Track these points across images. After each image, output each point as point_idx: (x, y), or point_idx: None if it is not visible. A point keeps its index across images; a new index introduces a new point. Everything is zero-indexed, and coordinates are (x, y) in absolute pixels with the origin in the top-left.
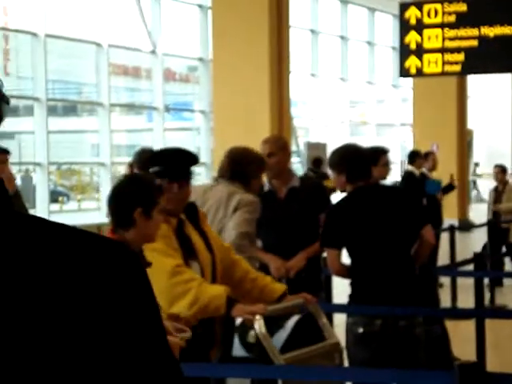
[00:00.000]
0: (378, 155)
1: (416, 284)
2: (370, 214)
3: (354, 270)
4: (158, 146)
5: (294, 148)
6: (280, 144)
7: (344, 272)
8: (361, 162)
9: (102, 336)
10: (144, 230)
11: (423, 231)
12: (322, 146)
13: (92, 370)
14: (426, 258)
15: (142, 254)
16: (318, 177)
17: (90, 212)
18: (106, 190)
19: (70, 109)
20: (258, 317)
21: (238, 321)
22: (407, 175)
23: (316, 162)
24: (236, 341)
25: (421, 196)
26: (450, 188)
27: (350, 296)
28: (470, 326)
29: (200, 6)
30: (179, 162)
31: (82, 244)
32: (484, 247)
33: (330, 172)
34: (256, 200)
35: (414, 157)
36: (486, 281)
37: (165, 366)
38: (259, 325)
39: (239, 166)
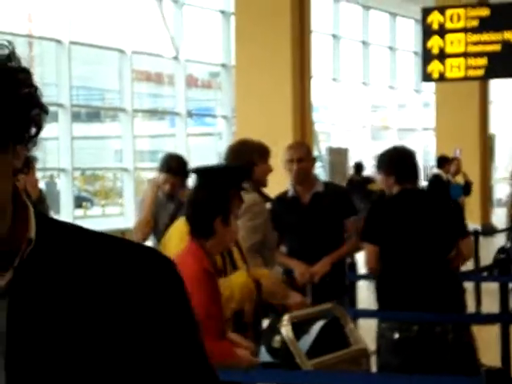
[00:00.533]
0: None
1: (445, 290)
2: (411, 217)
3: (385, 272)
4: (180, 151)
5: (315, 153)
6: (305, 150)
7: (378, 271)
8: (410, 164)
9: (139, 339)
10: (223, 237)
11: (462, 243)
12: (343, 151)
13: (129, 372)
14: (458, 267)
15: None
16: (363, 181)
17: (113, 217)
18: (129, 195)
19: (94, 115)
20: (285, 322)
21: (264, 325)
22: (435, 178)
23: (358, 167)
24: (261, 346)
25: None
26: (468, 187)
27: (379, 300)
28: (494, 331)
29: (222, 12)
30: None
31: (123, 252)
32: (500, 250)
33: (375, 175)
34: (256, 201)
35: (442, 161)
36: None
37: (199, 371)
38: (286, 330)
39: (239, 155)
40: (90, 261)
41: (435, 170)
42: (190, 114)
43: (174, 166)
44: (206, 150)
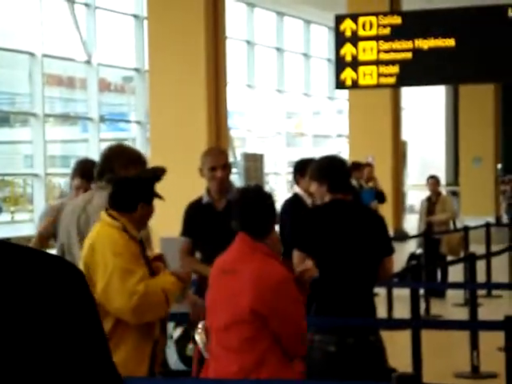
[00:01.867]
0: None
1: (360, 297)
2: (340, 229)
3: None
4: (93, 156)
5: (231, 159)
6: (226, 156)
7: None
8: (342, 173)
9: (44, 345)
10: (274, 235)
11: (386, 260)
12: (259, 157)
13: (37, 376)
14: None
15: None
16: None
17: (23, 224)
18: (39, 201)
19: (3, 119)
20: (199, 330)
21: (177, 334)
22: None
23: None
24: (175, 355)
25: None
26: (382, 196)
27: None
28: (405, 336)
29: (135, 16)
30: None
31: (25, 260)
32: (412, 257)
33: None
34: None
35: (353, 168)
36: (421, 291)
37: (105, 373)
38: (201, 338)
39: (106, 161)
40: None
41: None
42: (102, 119)
43: (90, 171)
44: None
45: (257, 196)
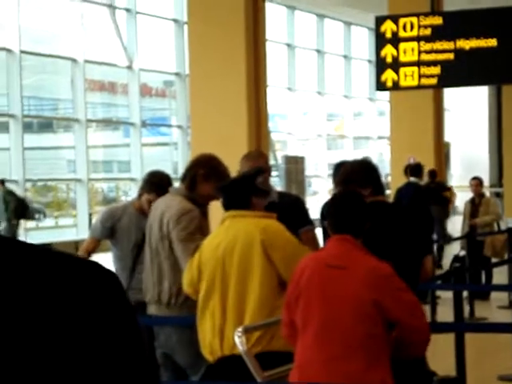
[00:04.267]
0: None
1: None
2: (384, 229)
3: None
4: (135, 161)
5: (272, 162)
6: (264, 160)
7: None
8: (380, 177)
9: (82, 353)
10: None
11: (424, 260)
12: (299, 160)
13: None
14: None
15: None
16: (438, 188)
17: (66, 229)
18: (82, 206)
19: (46, 125)
20: (239, 333)
21: None
22: (415, 187)
23: (432, 174)
24: None
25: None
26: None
27: None
28: (449, 339)
29: (176, 21)
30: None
31: (62, 266)
32: (455, 259)
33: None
34: (187, 208)
35: (419, 170)
36: (465, 294)
37: (143, 372)
38: (241, 341)
39: (188, 168)
40: (28, 276)
41: (411, 179)
42: (144, 124)
43: (166, 188)
44: (160, 160)
45: (355, 198)
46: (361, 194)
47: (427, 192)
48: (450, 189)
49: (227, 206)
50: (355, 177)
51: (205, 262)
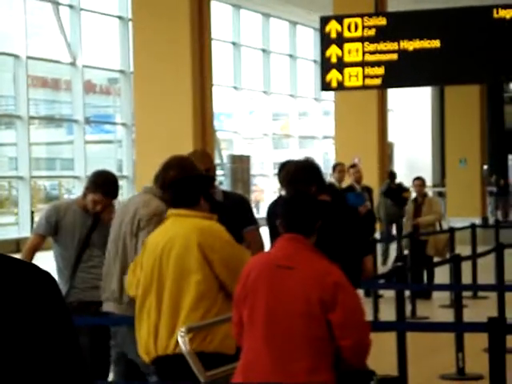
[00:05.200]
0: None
1: None
2: (328, 229)
3: None
4: (79, 158)
5: (217, 161)
6: (210, 159)
7: None
8: (323, 176)
9: (19, 343)
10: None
11: (365, 260)
12: (245, 159)
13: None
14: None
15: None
16: (398, 189)
17: (8, 227)
18: (24, 204)
19: None
20: (182, 333)
21: None
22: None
23: (392, 175)
24: None
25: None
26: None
27: None
28: (391, 338)
29: (120, 18)
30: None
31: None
32: (397, 259)
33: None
34: (160, 210)
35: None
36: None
37: (75, 367)
38: (184, 341)
39: (161, 169)
40: None
41: (329, 179)
42: (88, 121)
43: (112, 189)
44: (104, 158)
45: (305, 198)
46: (312, 194)
47: (388, 192)
48: (408, 190)
49: (174, 203)
50: (299, 176)
51: (144, 261)
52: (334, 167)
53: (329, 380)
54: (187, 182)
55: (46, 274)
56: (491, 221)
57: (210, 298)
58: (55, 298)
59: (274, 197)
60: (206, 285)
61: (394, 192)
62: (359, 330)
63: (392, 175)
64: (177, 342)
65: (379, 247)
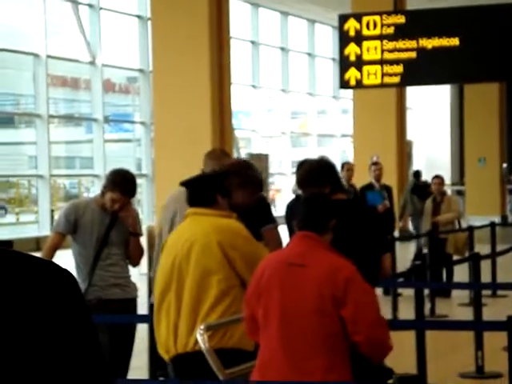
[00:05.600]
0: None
1: None
2: (348, 227)
3: None
4: (98, 157)
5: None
6: (228, 159)
7: None
8: (338, 175)
9: (40, 342)
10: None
11: (383, 258)
12: (264, 157)
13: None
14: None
15: None
16: (424, 185)
17: (28, 225)
18: (44, 202)
19: (8, 120)
20: (201, 330)
21: None
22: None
23: (417, 174)
24: None
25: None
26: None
27: None
28: (410, 336)
29: (139, 17)
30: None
31: (19, 266)
32: (416, 257)
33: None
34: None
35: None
36: (427, 291)
37: (95, 366)
38: (203, 338)
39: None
40: None
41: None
42: (107, 120)
43: (130, 187)
44: (123, 157)
45: (317, 197)
46: (325, 194)
47: (415, 189)
48: (429, 186)
49: (191, 202)
50: (314, 176)
51: (163, 261)
52: (342, 166)
53: (345, 377)
54: (201, 181)
55: (66, 272)
56: (510, 219)
57: (230, 296)
58: (75, 296)
59: (292, 196)
60: (226, 283)
61: (421, 188)
62: (371, 325)
63: (417, 174)
64: (196, 339)
65: (398, 245)
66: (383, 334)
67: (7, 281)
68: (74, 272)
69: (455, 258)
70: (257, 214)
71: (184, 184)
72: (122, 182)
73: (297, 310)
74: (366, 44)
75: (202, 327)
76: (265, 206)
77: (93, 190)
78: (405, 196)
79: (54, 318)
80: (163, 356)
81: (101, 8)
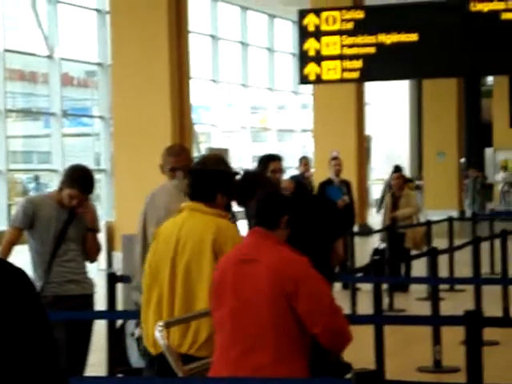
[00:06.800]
0: (268, 162)
1: None
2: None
3: None
4: (56, 152)
5: (195, 154)
6: (186, 156)
7: None
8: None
9: None
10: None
11: (334, 245)
12: (224, 152)
13: None
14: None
15: None
16: (406, 180)
17: None
18: (1, 197)
19: None
20: (160, 327)
21: (138, 332)
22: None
23: (397, 169)
24: (135, 352)
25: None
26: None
27: None
28: (368, 331)
29: (98, 11)
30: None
31: None
32: (375, 252)
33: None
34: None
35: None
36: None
37: (49, 365)
38: (162, 335)
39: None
40: None
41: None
42: (65, 114)
43: (88, 185)
44: (82, 151)
45: (270, 194)
46: (277, 192)
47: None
48: (412, 181)
49: (191, 195)
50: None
51: (154, 251)
52: (300, 160)
53: (298, 369)
54: (205, 175)
55: (19, 271)
56: (468, 214)
57: None
58: (29, 295)
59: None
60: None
61: None
62: (327, 314)
63: (397, 169)
64: (192, 342)
65: (358, 240)
66: (341, 322)
67: None
68: (30, 268)
69: (413, 252)
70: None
71: (191, 172)
72: (80, 179)
73: (247, 305)
74: (325, 39)
75: (160, 324)
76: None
77: (51, 185)
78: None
79: (7, 317)
80: (149, 349)
81: (58, 1)
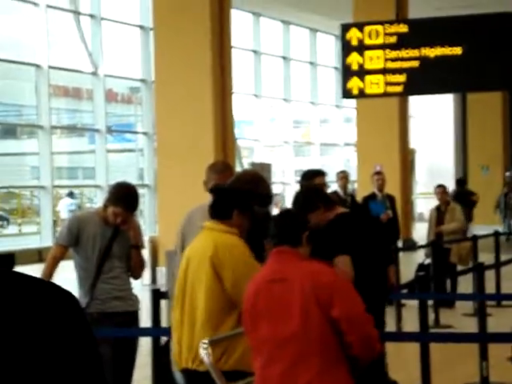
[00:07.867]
0: (312, 177)
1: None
2: (354, 239)
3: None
4: (100, 167)
5: (238, 169)
6: (229, 173)
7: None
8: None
9: (42, 364)
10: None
11: (387, 270)
12: (266, 167)
13: None
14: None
15: None
16: (467, 193)
17: (30, 236)
18: (46, 213)
19: (10, 131)
20: (205, 345)
21: None
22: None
23: (461, 182)
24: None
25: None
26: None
27: None
28: (414, 348)
29: (142, 27)
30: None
31: (21, 289)
32: (420, 267)
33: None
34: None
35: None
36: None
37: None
38: (207, 352)
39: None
40: None
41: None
42: (109, 130)
43: (132, 203)
44: (126, 167)
45: (286, 212)
46: (291, 210)
47: (458, 196)
48: (476, 194)
49: (210, 214)
50: (304, 203)
51: (179, 272)
52: (337, 175)
53: (342, 379)
54: (222, 193)
55: (67, 294)
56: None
57: (219, 314)
58: (76, 318)
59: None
60: (214, 300)
61: (465, 196)
62: (361, 322)
63: (461, 182)
64: (195, 357)
65: (402, 256)
66: (374, 331)
67: (7, 304)
68: (75, 285)
69: (459, 267)
70: (261, 226)
71: (211, 190)
72: (125, 198)
73: (285, 324)
74: (368, 53)
75: (205, 341)
76: (267, 217)
77: (96, 200)
78: (500, 196)
79: (55, 340)
80: (176, 366)
81: (102, 18)
